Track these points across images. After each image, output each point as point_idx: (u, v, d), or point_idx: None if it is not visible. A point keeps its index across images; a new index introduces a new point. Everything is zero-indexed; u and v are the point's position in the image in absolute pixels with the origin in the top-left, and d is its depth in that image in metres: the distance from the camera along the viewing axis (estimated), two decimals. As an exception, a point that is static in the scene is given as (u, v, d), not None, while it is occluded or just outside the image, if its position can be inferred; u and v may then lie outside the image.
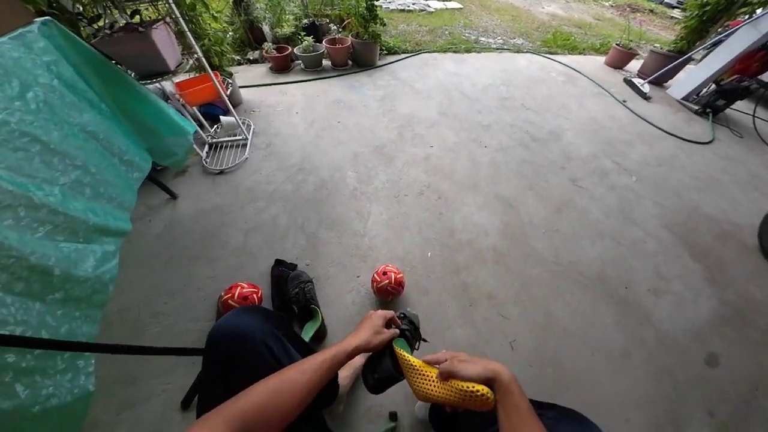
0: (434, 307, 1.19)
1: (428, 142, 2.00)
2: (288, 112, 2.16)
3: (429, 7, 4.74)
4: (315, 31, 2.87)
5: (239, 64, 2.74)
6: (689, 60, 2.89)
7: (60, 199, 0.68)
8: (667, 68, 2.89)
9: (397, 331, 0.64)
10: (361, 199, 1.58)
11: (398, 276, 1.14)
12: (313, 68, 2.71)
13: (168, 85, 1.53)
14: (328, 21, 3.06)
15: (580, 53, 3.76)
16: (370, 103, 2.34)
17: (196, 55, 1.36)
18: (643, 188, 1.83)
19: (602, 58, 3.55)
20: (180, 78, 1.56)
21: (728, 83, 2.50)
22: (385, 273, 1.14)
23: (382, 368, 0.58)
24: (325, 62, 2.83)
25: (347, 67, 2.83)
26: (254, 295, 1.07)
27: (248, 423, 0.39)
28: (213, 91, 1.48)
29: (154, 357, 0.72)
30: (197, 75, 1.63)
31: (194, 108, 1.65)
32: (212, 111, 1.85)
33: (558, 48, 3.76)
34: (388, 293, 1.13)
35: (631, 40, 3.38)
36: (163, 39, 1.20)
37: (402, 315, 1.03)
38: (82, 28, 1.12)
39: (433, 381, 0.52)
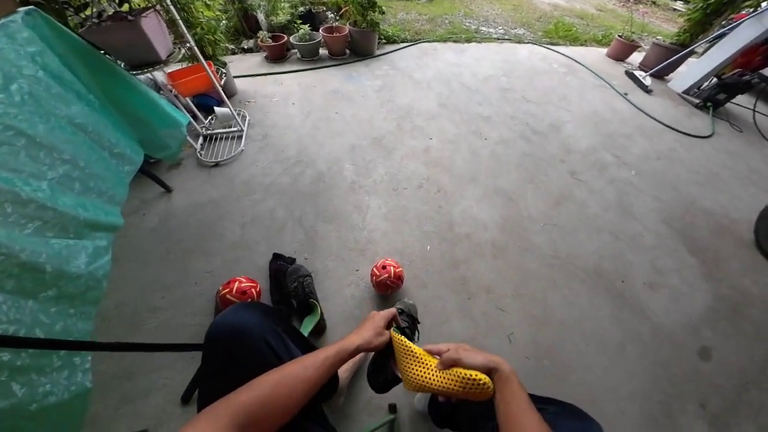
0: (433, 300, 1.19)
1: (428, 134, 1.97)
2: (284, 103, 2.12)
3: (429, -6, 4.61)
4: (311, 19, 2.79)
5: (233, 53, 2.66)
6: (691, 53, 2.85)
7: (48, 194, 0.66)
8: (669, 61, 2.85)
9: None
10: (359, 192, 1.56)
11: (397, 270, 1.14)
12: (310, 57, 2.65)
13: (160, 76, 1.48)
14: (324, 9, 2.97)
15: (581, 44, 3.70)
16: (369, 94, 2.30)
17: (188, 45, 1.32)
18: (642, 182, 1.83)
19: (604, 50, 3.50)
20: (172, 68, 1.51)
21: (730, 77, 2.48)
22: (384, 267, 1.13)
23: (386, 370, 0.60)
24: (322, 51, 2.76)
25: (345, 56, 2.76)
26: (253, 290, 1.07)
27: (252, 416, 0.39)
28: (206, 82, 1.43)
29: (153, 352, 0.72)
30: (190, 65, 1.58)
31: (187, 99, 1.60)
32: (206, 102, 1.80)
33: (560, 39, 3.70)
34: (387, 287, 1.13)
35: (633, 32, 3.33)
36: (153, 28, 1.15)
37: (400, 310, 1.04)
38: (69, 18, 1.07)
39: (433, 370, 0.52)
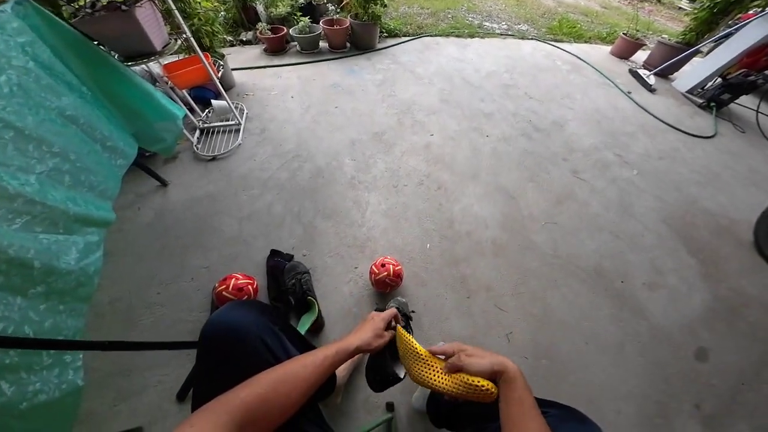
0: (432, 298, 1.18)
1: (429, 130, 1.95)
2: (283, 96, 2.08)
3: (431, -13, 4.53)
4: (312, 11, 2.74)
5: (232, 45, 2.61)
6: (697, 52, 2.82)
7: (37, 188, 0.64)
8: (673, 60, 2.82)
9: (392, 335, 0.64)
10: (359, 188, 1.54)
11: (397, 268, 1.13)
12: (310, 50, 2.60)
13: (155, 67, 1.45)
14: (325, 1, 2.92)
15: (585, 42, 3.66)
16: (369, 88, 2.26)
17: (184, 36, 1.28)
18: (643, 182, 1.82)
19: (608, 48, 3.46)
20: (168, 60, 1.48)
21: (734, 77, 2.45)
22: (383, 265, 1.12)
23: (385, 371, 0.60)
24: (323, 44, 2.71)
25: (345, 49, 2.71)
26: (249, 287, 1.05)
27: (250, 414, 0.39)
28: (203, 74, 1.40)
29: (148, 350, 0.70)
30: (186, 56, 1.55)
31: (184, 91, 1.57)
32: (203, 94, 1.77)
33: (564, 36, 3.65)
34: (386, 285, 1.12)
35: (638, 30, 3.29)
36: (148, 18, 1.12)
37: (396, 309, 1.03)
38: (62, 8, 1.04)
39: (438, 372, 0.53)
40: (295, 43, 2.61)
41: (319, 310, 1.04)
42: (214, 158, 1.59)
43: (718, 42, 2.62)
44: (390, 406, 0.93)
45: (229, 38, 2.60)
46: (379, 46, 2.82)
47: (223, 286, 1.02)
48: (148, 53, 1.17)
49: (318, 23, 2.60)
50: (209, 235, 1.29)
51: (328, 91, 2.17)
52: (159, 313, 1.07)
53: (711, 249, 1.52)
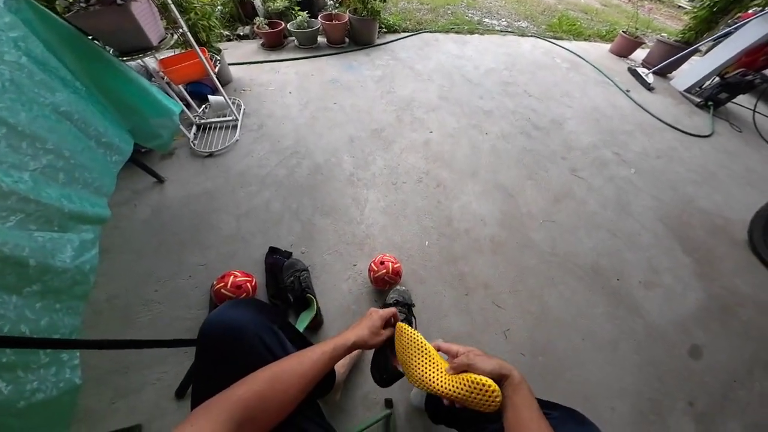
0: (430, 296, 1.19)
1: (428, 127, 1.94)
2: (281, 92, 2.06)
3: (431, -18, 4.48)
4: (310, 5, 2.69)
5: (229, 40, 2.57)
6: (695, 51, 2.82)
7: (31, 185, 0.63)
8: (672, 59, 2.82)
9: (390, 332, 0.65)
10: (357, 185, 1.54)
11: (395, 266, 1.13)
12: (308, 45, 2.57)
13: (151, 62, 1.42)
14: (324, -6, 2.88)
15: (585, 39, 3.65)
16: (368, 84, 2.24)
17: (180, 30, 1.26)
18: (641, 180, 1.83)
19: (607, 46, 3.45)
20: (164, 55, 1.46)
21: (732, 77, 2.46)
22: (382, 263, 1.12)
23: (387, 367, 0.62)
24: (321, 39, 2.68)
25: (344, 44, 2.69)
26: (248, 284, 1.05)
27: (249, 411, 0.39)
28: (200, 69, 1.38)
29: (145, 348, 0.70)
30: (183, 51, 1.52)
31: (180, 87, 1.55)
32: (200, 90, 1.74)
33: (563, 33, 3.64)
34: (385, 283, 1.12)
35: (638, 29, 3.28)
36: (144, 12, 1.10)
37: (395, 301, 1.04)
38: (56, 2, 1.02)
39: (443, 372, 0.52)
40: (293, 38, 2.58)
41: (318, 308, 1.05)
42: (211, 154, 1.58)
43: (717, 41, 2.63)
44: (389, 403, 0.93)
45: (226, 33, 2.56)
46: (378, 41, 2.79)
47: (222, 284, 1.02)
48: (144, 48, 1.14)
49: (316, 18, 2.57)
50: (207, 232, 1.28)
51: (327, 87, 2.15)
52: (157, 310, 1.06)
53: (706, 248, 1.53)
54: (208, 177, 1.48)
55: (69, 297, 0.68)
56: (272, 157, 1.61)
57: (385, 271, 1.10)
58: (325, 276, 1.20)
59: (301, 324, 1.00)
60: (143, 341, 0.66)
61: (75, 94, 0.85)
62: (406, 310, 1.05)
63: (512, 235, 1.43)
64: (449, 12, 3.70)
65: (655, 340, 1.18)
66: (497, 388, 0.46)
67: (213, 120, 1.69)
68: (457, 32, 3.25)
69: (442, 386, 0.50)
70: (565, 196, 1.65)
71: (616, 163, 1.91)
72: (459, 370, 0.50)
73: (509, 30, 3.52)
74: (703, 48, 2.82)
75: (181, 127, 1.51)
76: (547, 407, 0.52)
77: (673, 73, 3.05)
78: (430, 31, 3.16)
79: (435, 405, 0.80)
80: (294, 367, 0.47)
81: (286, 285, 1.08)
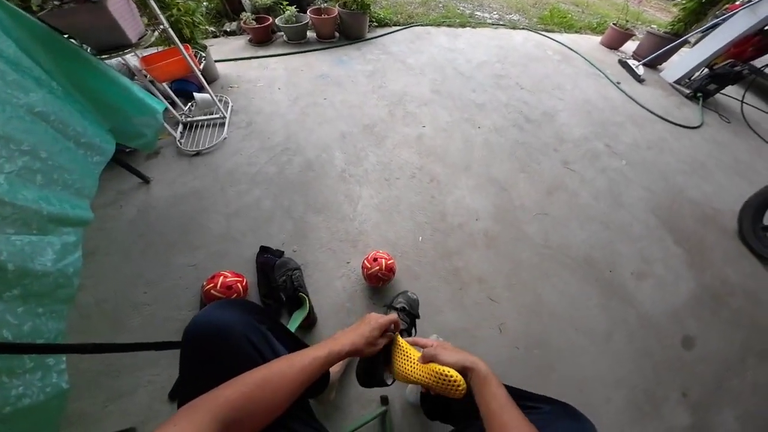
0: (425, 291, 1.18)
1: (420, 122, 1.93)
2: (270, 88, 2.02)
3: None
4: (298, 0, 2.64)
5: (215, 36, 2.51)
6: (685, 43, 2.84)
7: (6, 188, 0.61)
8: (662, 50, 2.84)
9: (387, 341, 0.64)
10: (350, 182, 1.52)
11: (389, 262, 1.12)
12: (297, 40, 2.52)
13: (132, 60, 1.38)
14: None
15: (576, 32, 3.66)
16: (359, 79, 2.21)
17: (161, 27, 1.22)
18: (632, 172, 1.84)
19: (598, 38, 3.46)
20: (147, 52, 1.41)
21: (721, 68, 2.48)
22: (375, 259, 1.11)
23: (375, 377, 0.61)
24: (310, 34, 2.63)
25: (334, 39, 2.64)
26: (239, 284, 1.03)
27: (235, 412, 0.38)
28: (183, 66, 1.34)
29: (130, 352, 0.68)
30: (166, 48, 1.48)
31: (164, 85, 1.51)
32: (185, 87, 1.70)
33: (554, 26, 3.64)
34: (378, 279, 1.11)
35: (628, 21, 3.29)
36: (120, 9, 1.07)
37: (402, 307, 1.01)
38: (31, 0, 0.98)
39: (413, 362, 0.58)
40: (282, 33, 2.53)
41: (311, 307, 1.03)
42: (198, 153, 1.54)
43: (706, 32, 2.64)
44: (384, 400, 0.93)
45: (212, 29, 2.50)
46: (369, 35, 2.76)
47: (211, 285, 1.00)
48: (123, 46, 1.11)
49: (305, 12, 2.52)
50: (196, 232, 1.25)
51: (317, 83, 2.12)
52: (147, 312, 1.04)
53: (697, 238, 1.55)
54: (195, 176, 1.45)
55: (52, 301, 0.66)
56: (262, 154, 1.58)
57: (378, 267, 1.09)
58: (318, 274, 1.18)
59: (294, 323, 0.98)
60: (127, 345, 0.64)
61: (51, 94, 0.82)
62: (409, 321, 1.00)
63: (506, 229, 1.43)
64: (440, 5, 3.66)
65: (648, 331, 1.20)
66: (459, 377, 0.50)
67: (200, 118, 1.65)
68: (448, 25, 3.23)
69: (413, 374, 0.56)
70: (557, 189, 1.65)
71: (608, 155, 1.92)
72: (425, 360, 0.55)
73: (501, 23, 3.50)
74: (692, 39, 2.84)
75: (167, 125, 1.47)
76: (540, 401, 0.52)
77: (663, 64, 3.07)
78: (422, 25, 3.13)
79: (430, 402, 0.80)
80: (284, 371, 0.46)
81: (278, 284, 1.07)
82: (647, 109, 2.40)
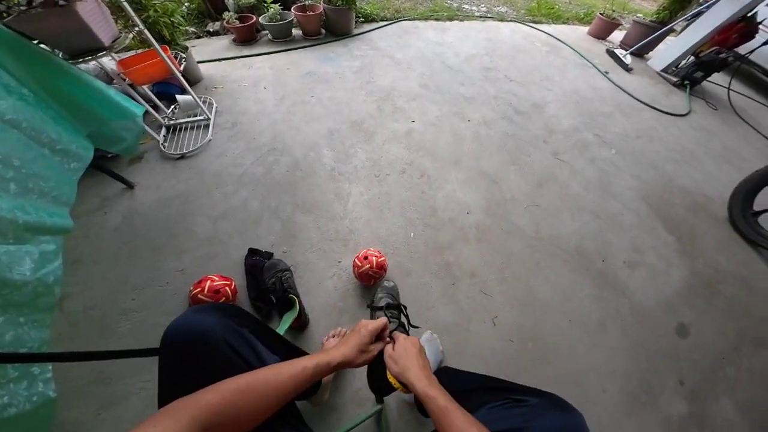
0: (418, 287, 1.17)
1: (409, 117, 1.91)
2: (255, 88, 1.98)
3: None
4: (283, -4, 2.60)
5: (198, 37, 2.46)
6: (670, 31, 2.86)
7: (-22, 199, 0.59)
8: (648, 39, 2.86)
9: (381, 346, 0.64)
10: (339, 180, 1.50)
11: (380, 260, 1.10)
12: (282, 38, 2.48)
13: (109, 64, 1.34)
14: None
15: (563, 23, 3.66)
16: (347, 75, 2.19)
17: (137, 29, 1.19)
18: (621, 161, 1.84)
19: (585, 28, 3.47)
20: (125, 55, 1.38)
21: (706, 55, 2.50)
22: (366, 257, 1.10)
23: (382, 383, 0.62)
24: (296, 31, 2.59)
25: (320, 36, 2.61)
26: (227, 288, 1.01)
27: (216, 416, 0.38)
28: (162, 68, 1.30)
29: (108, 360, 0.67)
30: (145, 51, 1.44)
31: (145, 88, 1.47)
32: (167, 90, 1.66)
33: (542, 17, 3.64)
34: (369, 278, 1.10)
35: (614, 10, 3.30)
36: (91, 12, 1.04)
37: (387, 304, 1.00)
38: None
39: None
40: (266, 31, 2.49)
41: (302, 308, 1.01)
42: (183, 156, 1.51)
43: (690, 20, 2.66)
44: (379, 398, 0.92)
45: (193, 29, 2.45)
46: (356, 31, 2.72)
47: (198, 289, 0.98)
48: (96, 49, 1.08)
49: (289, 10, 2.48)
50: (183, 236, 1.22)
51: (304, 80, 2.09)
52: (136, 318, 1.02)
53: (688, 226, 1.56)
54: (180, 179, 1.41)
55: (33, 310, 0.66)
56: (248, 155, 1.56)
57: (369, 266, 1.08)
58: (309, 275, 1.17)
59: (284, 325, 0.96)
60: (107, 352, 0.62)
61: (22, 101, 0.80)
62: (398, 313, 0.98)
63: (497, 222, 1.42)
64: (428, -1, 3.64)
65: (642, 320, 1.19)
66: (398, 385, 0.57)
67: (183, 120, 1.61)
68: (436, 19, 3.20)
69: (393, 381, 0.59)
70: (548, 180, 1.65)
71: (598, 145, 1.92)
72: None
73: (489, 15, 3.49)
74: (678, 28, 2.85)
75: (149, 129, 1.44)
76: (527, 394, 0.51)
77: (650, 53, 3.08)
78: (409, 19, 3.10)
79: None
80: (270, 379, 0.46)
81: (268, 286, 1.05)
82: (635, 98, 2.41)
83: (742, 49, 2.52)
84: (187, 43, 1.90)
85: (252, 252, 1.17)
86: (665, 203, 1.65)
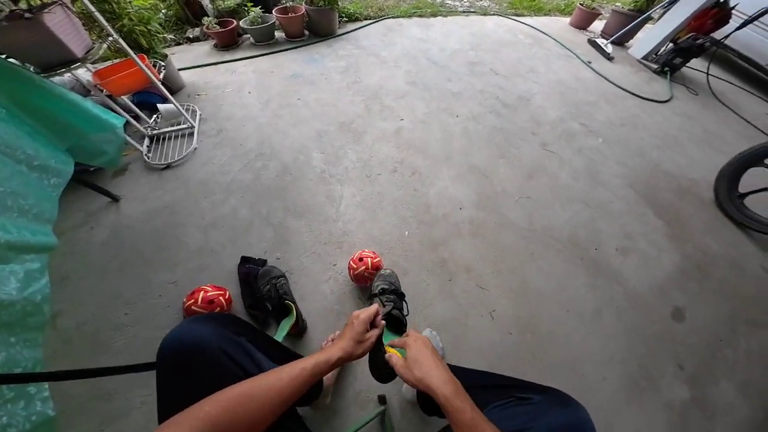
0: (414, 285, 1.17)
1: (398, 115, 1.90)
2: (239, 93, 1.95)
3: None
4: (263, 0, 2.56)
5: (178, 44, 2.41)
6: (648, 19, 2.91)
7: (-45, 219, 0.57)
8: (628, 28, 2.90)
9: (378, 332, 0.63)
10: (330, 182, 1.49)
11: (375, 261, 1.10)
12: (265, 41, 2.45)
13: (85, 75, 1.30)
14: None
15: (545, 14, 3.69)
16: (332, 76, 2.17)
17: (110, 39, 1.16)
18: (608, 149, 1.87)
19: (567, 19, 3.51)
20: (102, 65, 1.34)
21: (684, 41, 2.55)
22: (361, 259, 1.09)
23: (384, 370, 0.63)
24: (278, 34, 2.56)
25: (304, 37, 2.58)
26: (221, 298, 1.00)
27: (216, 427, 0.38)
28: (141, 77, 1.27)
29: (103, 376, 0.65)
30: (122, 60, 1.40)
31: (124, 98, 1.43)
32: (148, 99, 1.61)
33: (524, 9, 3.67)
34: (366, 279, 1.09)
35: (594, 0, 3.35)
36: (61, 23, 1.01)
37: (382, 290, 0.99)
38: None
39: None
40: (248, 35, 2.45)
41: (299, 313, 1.00)
42: (168, 166, 1.47)
43: (667, 7, 2.71)
44: (382, 399, 0.92)
45: (172, 36, 2.39)
46: (340, 31, 2.70)
47: (192, 300, 0.96)
48: (68, 61, 1.05)
49: (271, 12, 2.44)
50: (173, 248, 1.20)
51: (289, 83, 2.06)
52: (130, 333, 1.00)
53: (676, 210, 1.58)
54: (167, 190, 1.38)
55: (23, 329, 0.65)
56: (235, 161, 1.53)
57: (364, 267, 1.07)
58: (304, 279, 1.15)
59: (282, 332, 0.95)
60: (101, 369, 0.61)
61: (-6, 118, 0.77)
62: (395, 298, 0.96)
63: (489, 216, 1.43)
64: (410, -4, 3.63)
65: (636, 306, 1.21)
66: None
67: (166, 130, 1.58)
68: (420, 16, 3.20)
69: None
70: (537, 172, 1.67)
71: (584, 134, 1.95)
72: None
73: (471, 10, 3.50)
74: (655, 15, 2.90)
75: (131, 140, 1.41)
76: (531, 390, 0.51)
77: (630, 41, 3.13)
78: (393, 17, 3.09)
79: (425, 397, 0.79)
80: (268, 384, 0.45)
81: (263, 294, 1.03)
82: (618, 86, 2.45)
83: (718, 35, 2.57)
84: (167, 51, 1.86)
85: (245, 260, 1.15)
86: (652, 188, 1.68)
